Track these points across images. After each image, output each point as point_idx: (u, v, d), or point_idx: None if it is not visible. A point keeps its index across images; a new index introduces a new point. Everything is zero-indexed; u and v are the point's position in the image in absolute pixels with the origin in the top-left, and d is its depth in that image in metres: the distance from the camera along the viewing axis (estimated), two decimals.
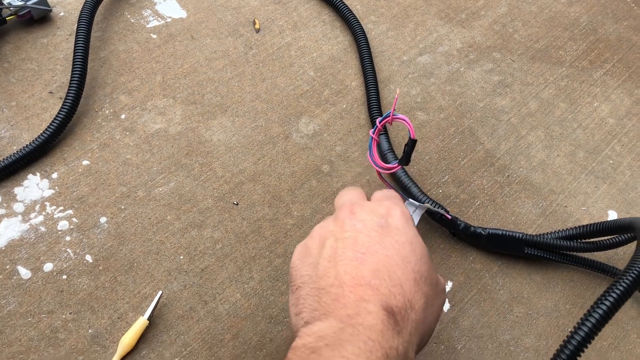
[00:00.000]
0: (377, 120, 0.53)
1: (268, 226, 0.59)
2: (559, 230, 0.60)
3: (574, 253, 0.60)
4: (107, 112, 0.64)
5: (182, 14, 0.73)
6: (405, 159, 0.52)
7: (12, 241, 0.55)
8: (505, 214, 0.63)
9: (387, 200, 0.43)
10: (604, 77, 0.76)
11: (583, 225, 0.58)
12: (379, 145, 0.62)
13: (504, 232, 0.59)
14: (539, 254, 0.59)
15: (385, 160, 0.61)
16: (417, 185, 0.60)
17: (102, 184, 0.59)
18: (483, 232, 0.58)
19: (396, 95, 0.52)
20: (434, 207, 0.58)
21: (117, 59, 0.68)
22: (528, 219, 0.63)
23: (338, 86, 0.70)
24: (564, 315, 0.58)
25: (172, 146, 0.62)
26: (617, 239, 0.58)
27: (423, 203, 0.58)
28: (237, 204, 0.60)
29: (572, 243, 0.58)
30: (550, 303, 0.58)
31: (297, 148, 0.64)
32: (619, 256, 0.62)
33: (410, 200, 0.56)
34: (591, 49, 0.79)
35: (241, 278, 0.56)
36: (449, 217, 0.58)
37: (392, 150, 0.62)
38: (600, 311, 0.38)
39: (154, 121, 0.64)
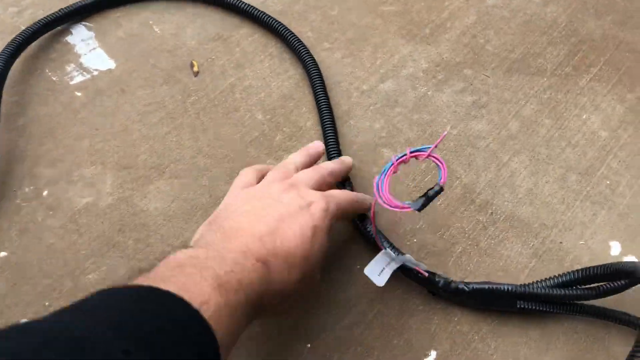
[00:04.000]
0: (408, 149, 0.44)
1: None
2: (554, 276, 0.51)
3: (576, 302, 0.51)
4: (26, 190, 0.56)
5: (110, 64, 0.65)
6: (424, 205, 0.43)
7: None
8: (492, 259, 0.55)
9: (325, 196, 0.46)
10: (591, 84, 0.68)
11: (582, 269, 0.50)
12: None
13: (490, 286, 0.50)
14: (534, 307, 0.51)
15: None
16: (385, 238, 0.53)
17: (22, 278, 0.51)
18: (466, 288, 0.50)
19: (444, 133, 0.45)
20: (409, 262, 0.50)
21: (38, 126, 0.60)
22: (519, 263, 0.55)
23: (291, 128, 0.62)
24: None
25: (103, 222, 0.54)
26: (621, 283, 0.49)
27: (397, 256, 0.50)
28: None
29: (572, 291, 0.50)
30: None
31: None
32: (629, 296, 0.53)
33: (387, 250, 0.48)
34: (574, 53, 0.71)
35: None
36: (425, 273, 0.50)
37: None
38: None
39: (81, 195, 0.56)
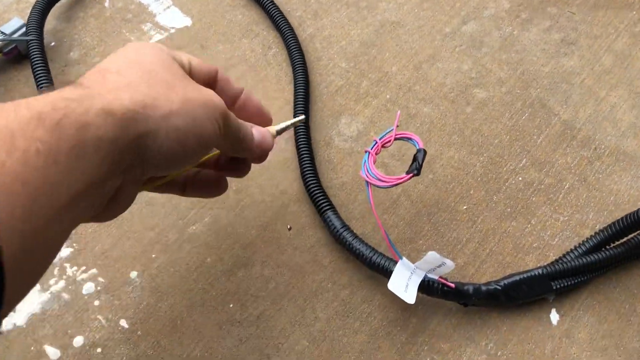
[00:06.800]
0: (375, 138, 0.44)
1: (325, 252, 0.50)
2: (582, 242, 0.48)
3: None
4: None
5: (187, 21, 0.64)
6: (418, 167, 0.41)
7: (34, 316, 0.46)
8: (601, 194, 0.53)
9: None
10: None
11: (609, 226, 0.48)
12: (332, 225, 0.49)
13: (522, 277, 0.46)
14: (570, 283, 0.47)
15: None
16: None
17: (125, 232, 0.50)
18: (499, 287, 0.46)
19: (398, 113, 0.43)
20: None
21: None
22: (630, 195, 0.53)
23: (377, 74, 0.60)
24: None
25: None
26: None
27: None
28: (290, 229, 0.51)
29: (605, 253, 0.47)
30: None
31: (342, 154, 0.55)
32: None
33: (404, 260, 0.43)
34: None
35: (304, 320, 0.46)
36: (452, 285, 0.45)
37: (346, 227, 0.49)
38: None
39: None
